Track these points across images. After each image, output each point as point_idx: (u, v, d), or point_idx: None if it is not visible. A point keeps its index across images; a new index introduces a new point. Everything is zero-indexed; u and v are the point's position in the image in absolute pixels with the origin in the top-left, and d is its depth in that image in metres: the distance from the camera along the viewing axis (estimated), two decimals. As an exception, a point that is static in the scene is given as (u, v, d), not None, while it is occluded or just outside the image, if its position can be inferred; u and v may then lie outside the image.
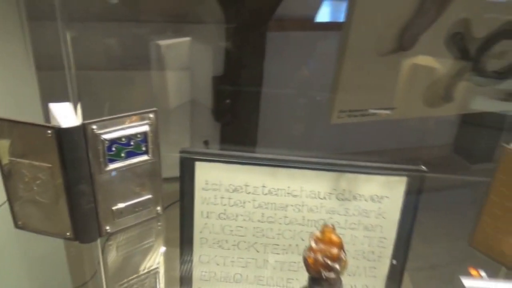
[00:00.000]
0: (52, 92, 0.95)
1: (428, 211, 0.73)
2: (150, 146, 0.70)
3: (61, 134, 0.61)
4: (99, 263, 0.73)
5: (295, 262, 0.77)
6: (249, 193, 0.73)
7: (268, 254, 0.77)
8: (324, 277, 0.47)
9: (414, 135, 2.12)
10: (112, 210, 0.69)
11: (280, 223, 0.75)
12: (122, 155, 0.67)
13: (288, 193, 0.73)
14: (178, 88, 1.36)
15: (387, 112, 1.45)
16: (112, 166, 0.67)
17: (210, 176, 0.73)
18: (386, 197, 0.72)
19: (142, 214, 0.72)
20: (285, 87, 1.81)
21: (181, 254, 0.77)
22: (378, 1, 1.31)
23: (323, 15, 2.05)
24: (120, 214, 0.69)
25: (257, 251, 0.76)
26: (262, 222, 0.75)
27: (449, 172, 1.89)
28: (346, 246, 0.75)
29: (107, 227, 0.70)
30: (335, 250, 0.48)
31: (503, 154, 0.64)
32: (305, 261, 0.49)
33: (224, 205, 0.74)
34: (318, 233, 0.49)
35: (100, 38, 1.33)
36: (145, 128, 0.68)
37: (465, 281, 0.57)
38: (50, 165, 0.62)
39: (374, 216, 0.73)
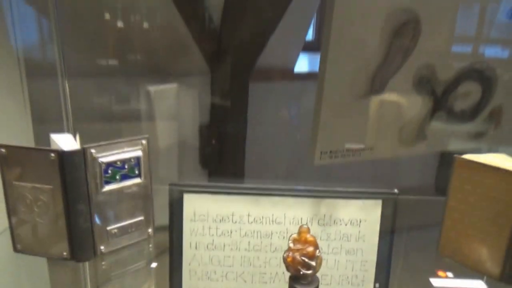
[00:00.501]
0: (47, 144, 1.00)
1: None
2: (143, 169, 0.75)
3: (63, 156, 0.67)
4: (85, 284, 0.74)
5: (282, 291, 0.79)
6: (235, 222, 0.77)
7: (256, 284, 0.79)
8: (302, 274, 0.50)
9: (395, 175, 2.19)
10: (107, 230, 0.73)
11: (266, 251, 0.78)
12: (117, 177, 0.72)
13: (272, 221, 0.77)
14: (166, 133, 1.43)
15: (360, 146, 1.53)
16: (108, 187, 0.72)
17: (197, 207, 0.77)
18: (364, 220, 0.77)
19: (134, 235, 0.75)
20: (269, 134, 1.89)
21: (171, 287, 0.78)
22: (348, 51, 1.44)
23: (301, 65, 2.20)
24: (114, 234, 0.72)
25: (245, 281, 0.79)
26: (248, 251, 0.78)
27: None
28: (330, 272, 0.79)
29: (102, 247, 0.74)
30: (310, 249, 0.52)
31: (456, 164, 0.71)
32: (285, 260, 0.53)
33: (212, 235, 0.77)
34: (295, 235, 0.53)
35: (93, 91, 1.41)
36: (138, 153, 0.74)
37: (433, 280, 0.60)
38: (51, 187, 0.67)
39: (354, 240, 0.77)
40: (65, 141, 0.71)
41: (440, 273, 0.71)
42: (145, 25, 1.69)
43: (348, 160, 1.55)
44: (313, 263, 0.52)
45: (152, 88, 1.13)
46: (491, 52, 1.73)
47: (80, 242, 0.70)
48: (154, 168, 0.87)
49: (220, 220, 0.77)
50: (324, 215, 0.77)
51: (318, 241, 0.77)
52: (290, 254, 0.52)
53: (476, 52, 1.69)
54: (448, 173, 0.77)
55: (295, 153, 1.84)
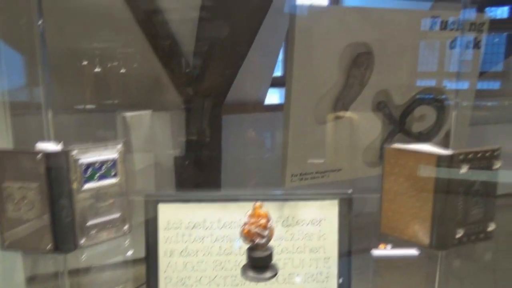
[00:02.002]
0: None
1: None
2: (119, 171, 0.83)
3: (48, 157, 0.75)
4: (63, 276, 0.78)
5: (253, 291, 0.84)
6: (206, 228, 0.83)
7: (228, 287, 0.84)
8: (257, 243, 0.57)
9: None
10: (86, 225, 0.80)
11: (236, 254, 0.84)
12: (96, 177, 0.80)
13: (240, 225, 0.84)
14: (143, 157, 1.49)
15: (320, 161, 1.62)
16: (87, 186, 0.79)
17: (171, 216, 0.83)
18: (324, 219, 0.85)
19: (111, 232, 0.82)
20: (242, 161, 1.98)
21: (147, 295, 0.83)
22: (309, 81, 1.58)
23: (273, 99, 2.34)
24: (93, 230, 0.78)
25: (218, 285, 0.84)
26: (220, 255, 0.84)
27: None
28: (296, 270, 0.86)
29: (82, 241, 0.80)
30: (263, 221, 0.59)
31: (386, 152, 0.82)
32: (241, 233, 0.60)
33: (185, 242, 0.83)
34: (250, 211, 0.61)
35: (76, 123, 1.48)
36: (115, 155, 0.82)
37: (374, 251, 0.68)
38: (38, 184, 0.74)
39: (316, 239, 0.85)
40: (50, 146, 0.79)
41: (381, 246, 0.79)
42: (125, 67, 1.80)
43: (317, 182, 1.64)
44: (266, 233, 0.59)
45: (128, 114, 1.21)
46: (442, 79, 1.91)
47: (63, 235, 0.76)
48: (131, 189, 0.94)
49: (193, 227, 0.83)
50: (288, 216, 0.84)
51: (283, 242, 0.85)
52: (246, 226, 0.60)
53: (428, 78, 1.86)
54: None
55: (268, 178, 1.92)
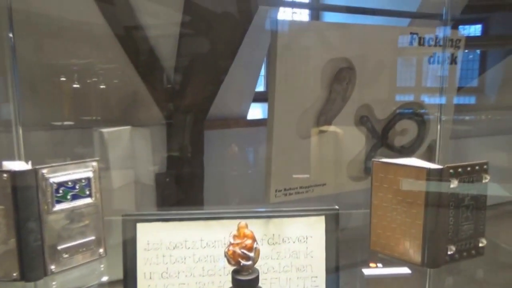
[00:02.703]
0: None
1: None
2: (93, 190, 0.78)
3: (15, 176, 0.70)
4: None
5: (238, 315, 0.80)
6: (188, 248, 0.80)
7: (219, 307, 0.80)
8: (242, 265, 0.54)
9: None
10: (58, 249, 0.74)
11: (220, 275, 0.80)
12: (68, 197, 0.74)
13: (224, 244, 0.80)
14: (123, 175, 1.44)
15: (306, 176, 1.61)
16: (59, 207, 0.74)
17: (151, 236, 0.79)
18: (310, 236, 0.82)
19: (86, 255, 0.76)
20: (226, 176, 1.94)
21: (126, 321, 0.78)
22: (292, 96, 1.57)
23: (256, 114, 2.33)
24: (65, 254, 0.72)
25: (201, 308, 0.79)
26: (203, 276, 0.80)
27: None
28: (283, 290, 0.82)
29: (52, 266, 0.73)
30: (249, 242, 0.56)
31: (373, 167, 0.80)
32: (226, 254, 0.56)
33: (166, 263, 0.79)
34: (235, 231, 0.57)
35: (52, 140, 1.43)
36: (89, 174, 0.77)
37: (365, 271, 0.65)
38: (3, 207, 0.68)
39: (303, 256, 0.82)
40: (17, 165, 0.74)
41: (372, 264, 0.77)
42: (105, 83, 1.77)
43: (301, 197, 1.62)
44: (252, 254, 0.56)
45: (106, 130, 1.16)
46: (422, 94, 1.94)
47: (30, 262, 0.69)
48: (109, 209, 0.89)
49: (174, 247, 0.79)
50: (273, 234, 0.81)
51: (269, 260, 0.81)
52: (231, 248, 0.56)
53: (409, 93, 1.89)
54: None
55: (252, 193, 1.89)
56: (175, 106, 1.85)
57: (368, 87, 1.69)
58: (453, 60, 1.95)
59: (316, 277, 0.81)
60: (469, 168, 0.76)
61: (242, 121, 2.11)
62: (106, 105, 1.77)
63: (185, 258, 0.79)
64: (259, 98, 2.37)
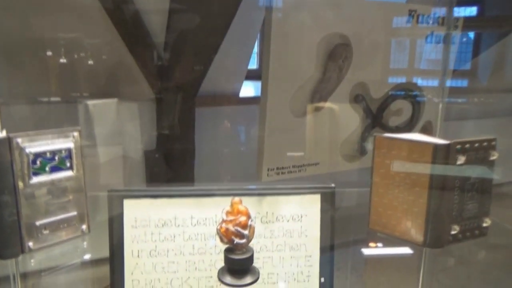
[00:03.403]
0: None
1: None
2: (75, 162, 0.73)
3: None
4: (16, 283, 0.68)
5: (229, 294, 0.78)
6: (178, 226, 0.76)
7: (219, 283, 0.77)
8: (236, 243, 0.51)
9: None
10: (36, 225, 0.69)
11: (211, 254, 0.77)
12: (47, 169, 0.69)
13: (216, 222, 0.77)
14: (110, 149, 1.39)
15: (300, 154, 1.58)
16: (36, 179, 0.69)
17: (139, 213, 0.75)
18: (305, 215, 0.79)
19: (67, 232, 0.71)
20: (217, 155, 1.91)
21: (112, 300, 0.75)
22: (286, 73, 1.52)
23: (248, 92, 2.28)
24: (44, 230, 0.68)
25: (191, 287, 0.77)
26: (193, 254, 0.77)
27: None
28: (275, 269, 0.80)
29: (30, 243, 0.69)
30: (243, 218, 0.53)
31: (376, 142, 0.77)
32: (218, 232, 0.53)
33: (155, 241, 0.76)
34: (228, 207, 0.54)
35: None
36: (70, 144, 0.72)
37: (365, 250, 0.63)
38: None
39: (297, 236, 0.79)
40: None
41: (371, 244, 0.75)
42: (93, 57, 1.70)
43: (294, 176, 1.59)
44: (246, 232, 0.52)
45: (91, 102, 1.10)
46: (420, 71, 1.91)
47: (6, 238, 0.64)
48: (97, 186, 0.85)
49: (163, 225, 0.76)
50: (267, 212, 0.78)
51: (262, 239, 0.79)
52: (223, 225, 0.53)
53: (405, 73, 1.85)
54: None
55: (243, 172, 1.86)
56: (165, 82, 1.79)
57: (364, 65, 1.65)
58: (450, 40, 1.92)
59: (310, 256, 0.79)
60: (476, 145, 0.72)
61: (234, 99, 2.06)
62: (94, 80, 1.71)
63: (174, 236, 0.76)
64: (252, 76, 2.32)
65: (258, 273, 0.59)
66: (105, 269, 0.71)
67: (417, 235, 0.71)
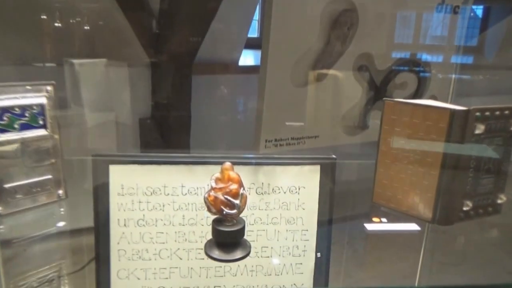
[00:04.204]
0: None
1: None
2: (48, 120, 0.67)
3: None
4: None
5: (220, 267, 0.74)
6: (168, 194, 0.72)
7: (192, 261, 0.74)
8: (225, 214, 0.46)
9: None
10: (5, 188, 0.64)
11: (202, 225, 0.73)
12: (16, 126, 0.64)
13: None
14: (99, 112, 1.33)
15: (300, 124, 1.53)
16: (4, 137, 0.63)
17: (125, 180, 0.70)
18: (303, 187, 0.74)
19: (40, 197, 0.66)
20: (213, 125, 1.85)
21: (97, 270, 0.71)
22: (288, 40, 1.44)
23: (248, 61, 2.19)
24: (14, 194, 0.63)
25: (180, 258, 0.73)
26: (183, 225, 0.73)
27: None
28: (270, 243, 0.76)
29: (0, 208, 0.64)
30: (234, 186, 0.48)
31: (385, 107, 0.71)
32: (206, 200, 0.48)
33: (143, 210, 0.71)
34: (217, 174, 0.49)
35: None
36: (42, 100, 0.65)
37: (368, 226, 0.59)
38: None
39: (294, 208, 0.75)
40: None
41: (375, 219, 0.70)
42: (88, 21, 1.61)
43: (293, 148, 1.54)
44: (237, 202, 0.48)
45: (77, 61, 1.03)
46: (426, 45, 1.82)
47: None
48: (86, 152, 0.80)
49: (151, 193, 0.71)
50: (262, 183, 0.73)
51: (256, 211, 0.74)
52: (212, 193, 0.48)
53: (412, 44, 1.77)
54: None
55: (240, 143, 1.81)
56: (160, 47, 1.71)
57: (370, 34, 1.57)
58: (458, 12, 1.83)
59: (307, 230, 0.75)
60: (497, 112, 0.65)
61: (233, 67, 1.98)
62: (87, 43, 1.63)
63: (163, 205, 0.72)
64: (253, 44, 2.22)
65: (250, 247, 0.54)
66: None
67: (426, 210, 0.66)
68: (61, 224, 0.71)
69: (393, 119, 0.69)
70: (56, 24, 1.55)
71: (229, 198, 0.47)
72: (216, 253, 0.50)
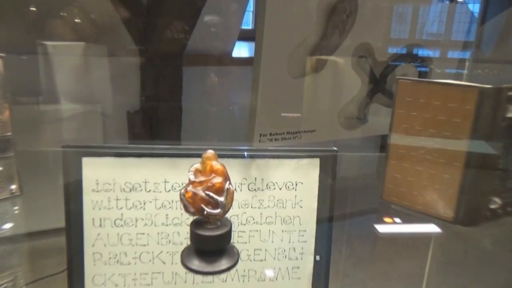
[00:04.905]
0: None
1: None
2: None
3: None
4: None
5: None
6: (149, 191, 0.64)
7: (177, 265, 0.66)
8: (207, 214, 0.38)
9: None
10: None
11: (187, 225, 0.65)
12: None
13: (194, 188, 0.65)
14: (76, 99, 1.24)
15: (297, 115, 1.45)
16: None
17: (101, 174, 0.63)
18: (301, 183, 0.67)
19: None
20: (206, 120, 1.77)
21: (69, 276, 0.63)
22: (283, 29, 1.37)
23: (242, 53, 2.11)
24: None
25: (163, 263, 0.65)
26: (166, 225, 0.65)
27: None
28: (264, 245, 0.68)
29: None
30: (218, 180, 0.39)
31: (399, 88, 0.63)
32: (182, 198, 0.40)
33: (121, 208, 0.64)
34: (197, 165, 0.41)
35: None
36: None
37: (379, 227, 0.52)
38: None
39: (290, 206, 0.67)
40: None
41: (387, 219, 0.62)
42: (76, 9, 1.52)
43: (288, 143, 1.47)
44: (222, 199, 0.39)
45: (50, 43, 0.93)
46: (427, 35, 1.76)
47: None
48: (57, 140, 0.72)
49: (131, 189, 0.63)
50: (255, 178, 0.66)
51: (249, 209, 0.67)
52: (190, 188, 0.39)
53: (413, 35, 1.71)
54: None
55: (234, 137, 1.74)
56: (149, 37, 1.63)
57: (370, 23, 1.50)
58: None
59: (305, 231, 0.68)
60: None
61: (226, 59, 1.90)
62: (75, 33, 1.54)
63: (144, 203, 0.64)
64: (248, 37, 2.14)
65: (237, 255, 0.45)
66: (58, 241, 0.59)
67: (447, 209, 0.58)
68: (9, 225, 0.63)
69: (408, 101, 0.60)
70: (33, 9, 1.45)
71: (211, 194, 0.38)
72: (196, 264, 0.41)
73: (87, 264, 0.63)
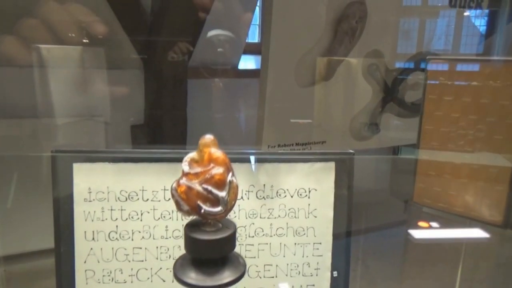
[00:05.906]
0: None
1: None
2: None
3: None
4: None
5: (214, 290, 0.60)
6: (147, 200, 0.58)
7: (178, 283, 0.59)
8: (204, 213, 0.31)
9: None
10: None
11: (190, 238, 0.59)
12: None
13: (196, 196, 0.59)
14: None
15: (308, 121, 1.39)
16: None
17: (94, 182, 0.57)
18: (314, 189, 0.60)
19: None
20: (212, 131, 1.72)
21: (58, 296, 0.57)
22: (291, 36, 1.32)
23: (249, 66, 2.08)
24: None
25: (163, 280, 0.59)
26: (166, 238, 0.59)
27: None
28: (274, 260, 0.61)
29: None
30: (218, 171, 0.32)
31: (428, 72, 0.56)
32: (174, 193, 0.33)
33: (115, 219, 0.57)
34: (192, 153, 0.34)
35: None
36: None
37: (414, 233, 0.44)
38: None
39: (303, 216, 0.61)
40: None
41: (422, 223, 0.54)
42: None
43: (298, 155, 1.41)
44: (223, 194, 0.31)
45: (45, 46, 0.90)
46: (438, 42, 1.71)
47: None
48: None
49: (126, 198, 0.58)
50: (264, 185, 0.60)
51: (257, 220, 0.60)
52: (184, 181, 0.32)
53: (423, 42, 1.65)
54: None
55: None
56: (152, 49, 1.60)
57: (380, 30, 1.45)
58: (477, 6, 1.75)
59: (320, 243, 0.61)
60: None
61: (232, 71, 1.86)
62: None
63: (142, 214, 0.58)
64: (254, 50, 2.12)
65: (244, 265, 0.36)
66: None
67: (493, 211, 0.49)
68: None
69: (441, 84, 0.53)
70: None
71: (210, 188, 0.30)
72: (192, 277, 0.33)
73: (79, 283, 0.57)
